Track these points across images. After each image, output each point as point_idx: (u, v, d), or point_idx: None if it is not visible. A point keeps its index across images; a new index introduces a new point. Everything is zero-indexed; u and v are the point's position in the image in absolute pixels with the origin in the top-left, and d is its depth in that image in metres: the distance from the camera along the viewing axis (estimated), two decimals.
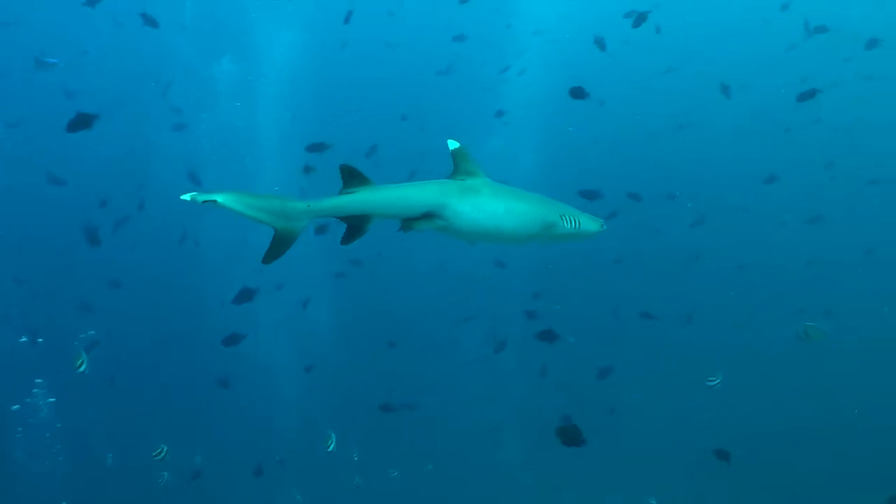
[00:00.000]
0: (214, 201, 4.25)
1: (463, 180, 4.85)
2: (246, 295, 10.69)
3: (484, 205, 4.71)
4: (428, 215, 4.65)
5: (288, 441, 14.70)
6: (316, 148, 12.45)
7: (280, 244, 4.56)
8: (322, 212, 4.58)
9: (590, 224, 5.03)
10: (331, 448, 10.21)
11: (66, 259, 18.52)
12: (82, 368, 9.56)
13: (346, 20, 15.95)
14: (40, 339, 15.44)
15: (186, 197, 4.19)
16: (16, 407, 14.30)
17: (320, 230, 13.17)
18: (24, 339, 15.52)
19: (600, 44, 13.99)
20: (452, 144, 4.98)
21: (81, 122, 8.45)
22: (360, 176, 4.65)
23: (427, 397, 16.13)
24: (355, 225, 4.63)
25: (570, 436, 6.15)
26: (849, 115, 22.21)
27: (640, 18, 12.16)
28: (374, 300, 19.18)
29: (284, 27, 21.37)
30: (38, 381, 14.81)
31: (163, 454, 9.79)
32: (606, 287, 18.23)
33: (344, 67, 24.31)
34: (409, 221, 4.65)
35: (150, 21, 13.89)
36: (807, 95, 12.02)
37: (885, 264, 18.36)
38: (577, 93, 9.73)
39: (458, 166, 4.92)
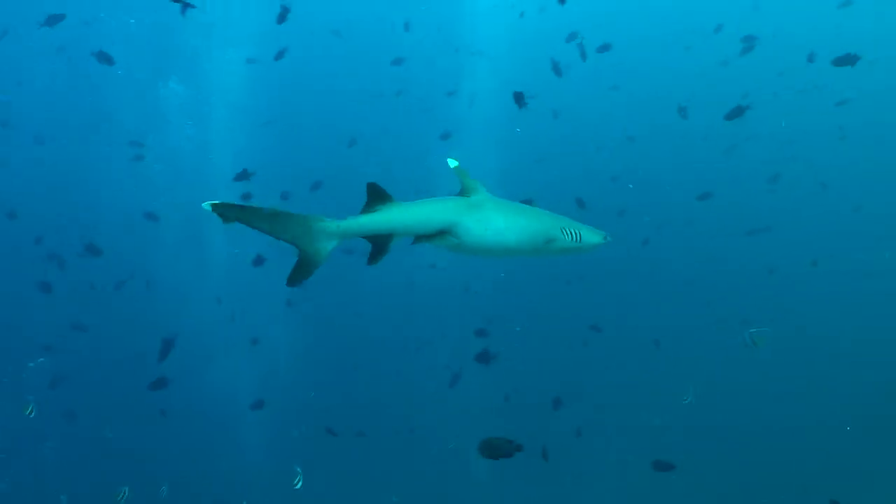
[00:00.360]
0: (237, 219, 4.09)
1: (468, 197, 4.90)
2: (167, 348, 10.59)
3: (489, 221, 4.74)
4: (441, 232, 4.65)
5: (251, 481, 14.36)
6: (242, 177, 12.36)
7: (305, 266, 4.40)
8: (352, 231, 4.47)
9: (592, 237, 5.06)
10: (298, 485, 9.92)
11: (19, 295, 17.96)
12: (32, 415, 9.41)
13: (278, 56, 15.77)
14: None
15: (207, 206, 4.02)
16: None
17: (258, 261, 13.15)
18: None
19: (557, 69, 14.22)
20: (452, 163, 5.02)
21: None
22: (384, 194, 4.57)
23: (383, 425, 16.03)
24: (380, 244, 4.55)
25: (497, 449, 6.08)
26: (787, 127, 22.96)
27: (582, 50, 12.40)
28: (329, 327, 18.95)
29: (229, 47, 21.19)
30: None
31: (124, 497, 9.47)
32: (568, 306, 18.26)
33: (289, 87, 24.16)
34: (423, 238, 4.65)
35: (104, 58, 13.56)
36: (735, 113, 12.16)
37: (831, 274, 18.80)
38: (518, 98, 9.74)
39: (462, 184, 4.97)
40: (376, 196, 4.55)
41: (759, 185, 20.34)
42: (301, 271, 4.40)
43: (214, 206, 4.02)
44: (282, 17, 11.72)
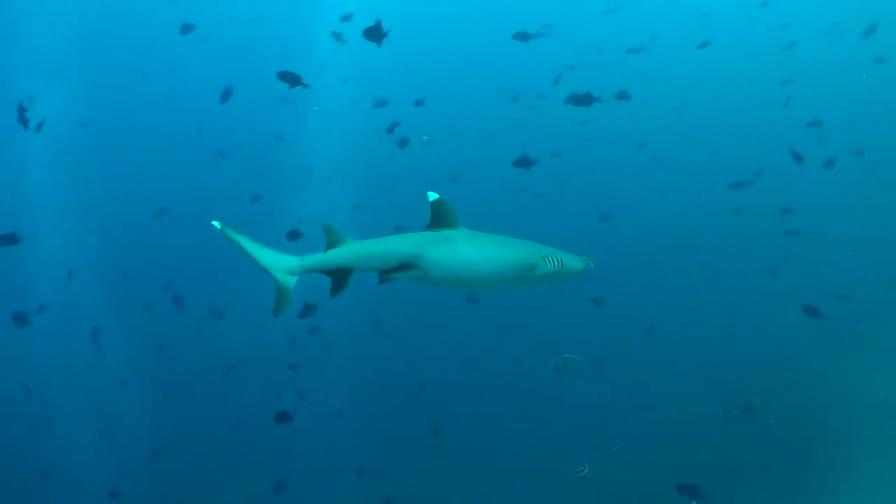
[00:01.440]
0: (239, 243, 4.94)
1: (439, 231, 5.14)
2: None
3: (459, 252, 4.98)
4: (405, 266, 4.94)
5: None
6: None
7: (281, 296, 4.99)
8: (312, 266, 5.02)
9: (574, 263, 5.22)
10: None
11: None
12: None
13: (38, 127, 13.22)
14: None
15: (216, 224, 4.83)
16: None
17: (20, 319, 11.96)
18: None
19: (402, 143, 14.44)
20: (432, 196, 5.24)
21: None
22: (338, 234, 5.05)
23: None
24: (338, 278, 4.97)
25: None
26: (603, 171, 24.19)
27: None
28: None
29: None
30: None
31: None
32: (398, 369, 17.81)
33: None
34: (387, 273, 4.98)
35: None
36: (522, 163, 11.85)
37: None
38: (289, 77, 9.50)
39: (436, 218, 5.20)
40: (332, 236, 5.02)
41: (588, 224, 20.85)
42: (279, 301, 4.98)
43: (223, 225, 4.79)
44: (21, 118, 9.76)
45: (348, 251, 4.99)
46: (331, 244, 4.98)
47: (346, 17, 16.40)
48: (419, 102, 17.58)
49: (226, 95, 15.94)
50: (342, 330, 16.77)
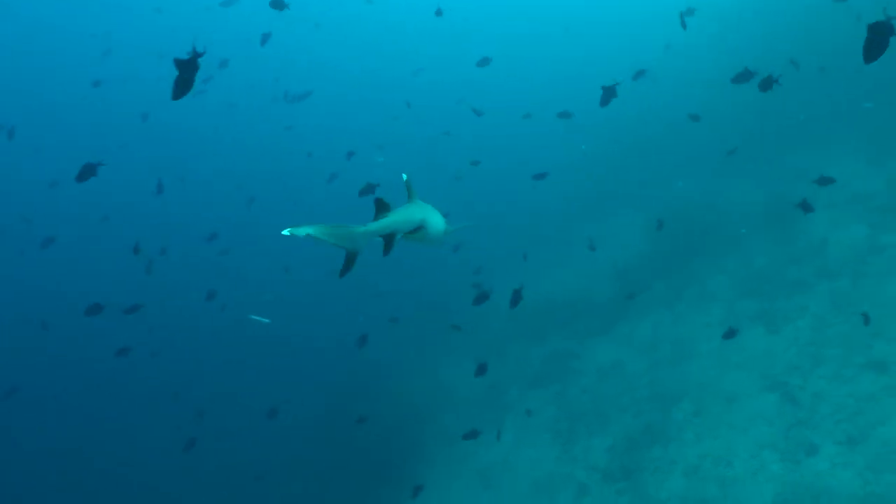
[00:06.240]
0: (308, 234, 4.73)
1: (415, 201, 6.02)
2: None
3: (434, 216, 5.97)
4: (418, 228, 5.67)
5: None
6: None
7: (351, 262, 5.20)
8: (376, 232, 5.29)
9: (448, 227, 6.49)
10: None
11: None
12: None
13: None
14: None
15: (286, 232, 4.58)
16: None
17: None
18: None
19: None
20: (404, 176, 6.13)
21: None
22: (386, 205, 5.47)
23: None
24: (389, 240, 5.44)
25: None
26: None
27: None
28: None
29: None
30: None
31: None
32: None
33: None
34: (408, 234, 5.62)
35: None
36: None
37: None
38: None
39: (409, 193, 6.08)
40: (382, 207, 5.42)
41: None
42: (348, 266, 5.18)
43: (291, 231, 4.60)
44: None
45: (396, 218, 5.43)
46: (380, 214, 5.35)
47: None
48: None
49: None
50: None
